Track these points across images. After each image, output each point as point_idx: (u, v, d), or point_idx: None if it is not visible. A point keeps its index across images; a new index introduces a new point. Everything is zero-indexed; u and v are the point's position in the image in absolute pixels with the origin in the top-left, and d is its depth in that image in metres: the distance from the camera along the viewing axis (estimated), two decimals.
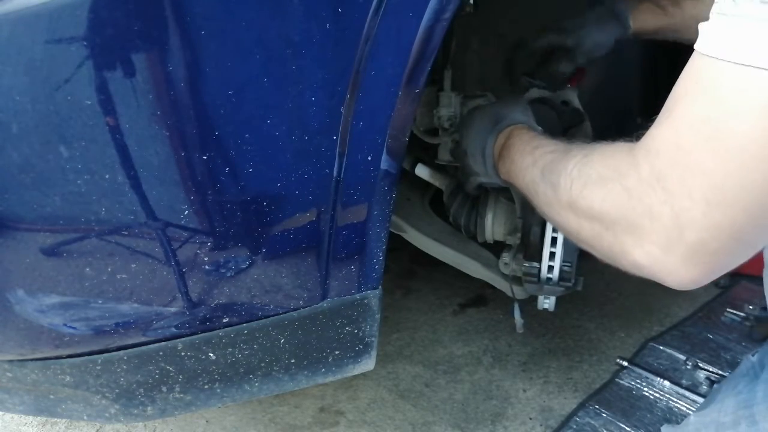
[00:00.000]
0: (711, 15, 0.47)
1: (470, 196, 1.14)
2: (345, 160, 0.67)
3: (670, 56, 1.12)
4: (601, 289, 1.76)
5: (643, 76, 1.34)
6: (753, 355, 0.82)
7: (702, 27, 0.48)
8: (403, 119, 0.67)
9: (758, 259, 0.76)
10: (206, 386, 0.81)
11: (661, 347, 1.50)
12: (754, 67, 0.42)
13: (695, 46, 0.48)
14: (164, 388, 0.80)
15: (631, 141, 0.54)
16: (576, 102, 1.03)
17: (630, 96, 1.39)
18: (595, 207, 0.56)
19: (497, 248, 1.18)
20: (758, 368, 0.78)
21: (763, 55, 0.42)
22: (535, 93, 1.08)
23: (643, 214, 0.50)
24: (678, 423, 1.24)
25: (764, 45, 0.42)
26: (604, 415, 1.30)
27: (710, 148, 0.45)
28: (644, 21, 0.99)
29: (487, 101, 1.08)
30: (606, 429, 1.26)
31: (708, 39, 0.47)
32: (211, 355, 0.77)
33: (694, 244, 0.48)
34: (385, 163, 0.69)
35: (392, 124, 0.66)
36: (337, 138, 0.65)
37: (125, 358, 0.75)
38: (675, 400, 1.32)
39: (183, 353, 0.76)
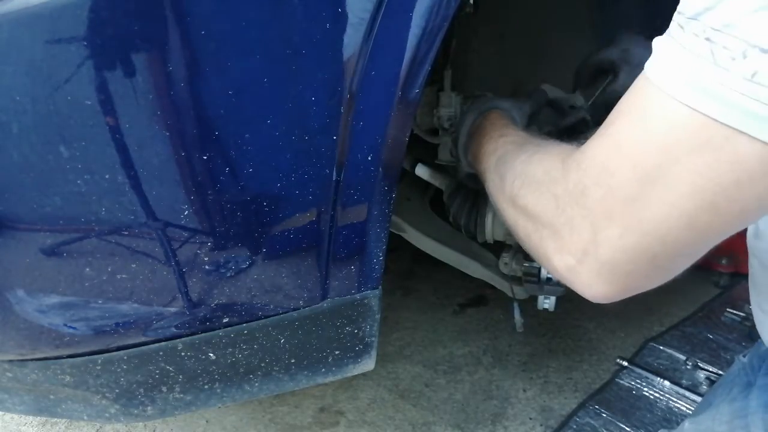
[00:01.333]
0: (666, 33, 0.46)
1: (470, 196, 1.14)
2: (345, 160, 0.67)
3: None
4: None
5: None
6: (744, 356, 0.82)
7: (654, 43, 0.46)
8: (403, 119, 0.67)
9: None
10: (206, 386, 0.81)
11: (661, 347, 1.50)
12: (684, 104, 0.41)
13: (647, 62, 0.46)
14: (164, 388, 0.80)
15: (578, 144, 0.54)
16: (584, 111, 1.03)
17: None
18: (529, 207, 0.58)
19: (497, 248, 1.18)
20: (749, 371, 0.77)
21: (695, 94, 0.40)
22: (546, 88, 1.07)
23: (564, 224, 0.51)
24: (678, 423, 1.24)
25: (697, 82, 0.40)
26: (604, 415, 1.30)
27: (634, 176, 0.45)
28: None
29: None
30: (606, 429, 1.26)
31: (654, 59, 0.45)
32: (211, 355, 0.77)
33: (607, 263, 0.48)
34: (385, 163, 0.69)
35: (392, 123, 0.66)
36: (337, 138, 0.65)
37: (125, 358, 0.75)
38: (675, 400, 1.32)
39: (183, 353, 0.76)
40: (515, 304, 1.17)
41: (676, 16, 0.44)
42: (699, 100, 0.40)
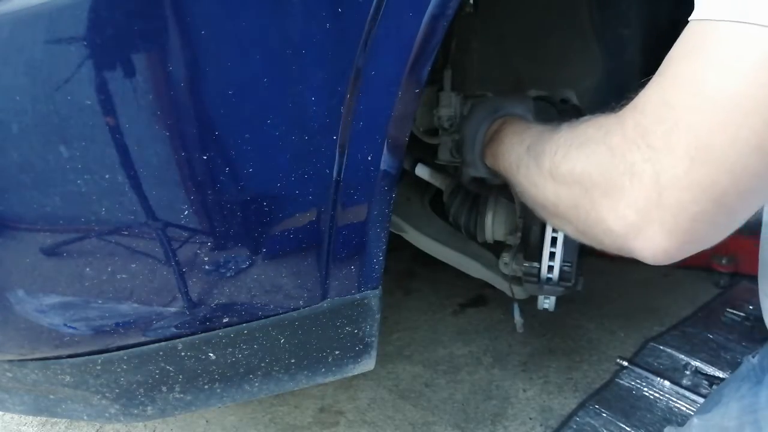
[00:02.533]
0: None
1: (470, 196, 1.14)
2: (345, 160, 0.67)
3: None
4: (601, 289, 1.76)
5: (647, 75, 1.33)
6: (753, 357, 0.82)
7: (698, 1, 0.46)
8: (403, 119, 0.67)
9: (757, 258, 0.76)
10: (206, 386, 0.81)
11: (661, 347, 1.50)
12: (748, 23, 0.41)
13: (690, 18, 0.46)
14: (164, 388, 0.80)
15: None
16: (575, 100, 1.03)
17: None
18: (576, 169, 0.55)
19: (497, 248, 1.18)
20: (759, 371, 0.77)
21: (756, 10, 0.40)
22: (533, 93, 1.08)
23: (624, 172, 0.48)
24: (678, 423, 1.24)
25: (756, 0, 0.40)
26: (604, 415, 1.30)
27: (697, 103, 0.43)
28: None
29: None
30: (606, 429, 1.26)
31: (702, 6, 0.45)
32: (211, 355, 0.77)
33: (672, 206, 0.46)
34: (385, 163, 0.68)
35: (392, 124, 0.66)
36: (337, 138, 0.65)
37: (125, 358, 0.75)
38: (675, 400, 1.32)
39: (183, 353, 0.76)
40: (515, 305, 1.17)
41: None
42: (742, 10, 0.41)
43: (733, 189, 0.44)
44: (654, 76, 0.49)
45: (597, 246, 0.57)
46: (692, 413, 1.25)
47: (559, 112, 0.99)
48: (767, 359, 0.76)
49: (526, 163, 0.67)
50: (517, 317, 1.17)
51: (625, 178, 0.48)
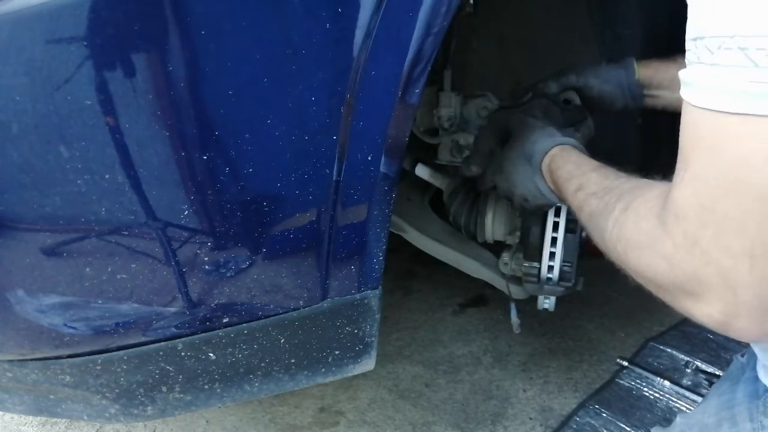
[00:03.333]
0: (687, 62, 0.47)
1: (470, 196, 1.14)
2: (345, 160, 0.67)
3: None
4: (601, 289, 1.76)
5: (642, 126, 1.33)
6: (742, 356, 0.82)
7: (685, 76, 0.47)
8: (403, 119, 0.67)
9: None
10: (206, 386, 0.81)
11: (661, 347, 1.50)
12: (753, 114, 0.42)
13: (683, 96, 0.48)
14: (164, 388, 0.80)
15: (663, 180, 0.54)
16: (577, 100, 1.03)
17: (628, 148, 1.36)
18: (641, 271, 0.55)
19: (497, 248, 1.18)
20: (746, 368, 0.78)
21: (756, 102, 0.41)
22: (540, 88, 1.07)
23: (689, 280, 0.49)
24: None
25: (750, 89, 0.42)
26: (604, 415, 1.30)
27: (734, 201, 0.44)
28: (654, 70, 0.96)
29: (487, 101, 1.08)
30: (606, 429, 1.26)
31: (697, 90, 0.46)
32: (211, 355, 0.77)
33: (751, 302, 0.46)
34: (384, 163, 0.68)
35: (392, 124, 0.66)
36: (337, 138, 0.65)
37: (125, 358, 0.75)
38: (675, 400, 1.32)
39: (183, 353, 0.76)
40: (512, 305, 1.17)
41: (695, 43, 0.45)
42: (753, 103, 0.41)
43: None
44: (677, 171, 0.49)
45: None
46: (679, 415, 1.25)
47: (562, 111, 0.99)
48: (754, 357, 0.76)
49: (596, 234, 0.66)
50: (514, 318, 1.17)
51: (694, 284, 0.48)
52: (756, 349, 0.72)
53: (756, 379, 0.72)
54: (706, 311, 0.49)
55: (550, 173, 0.82)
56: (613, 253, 0.61)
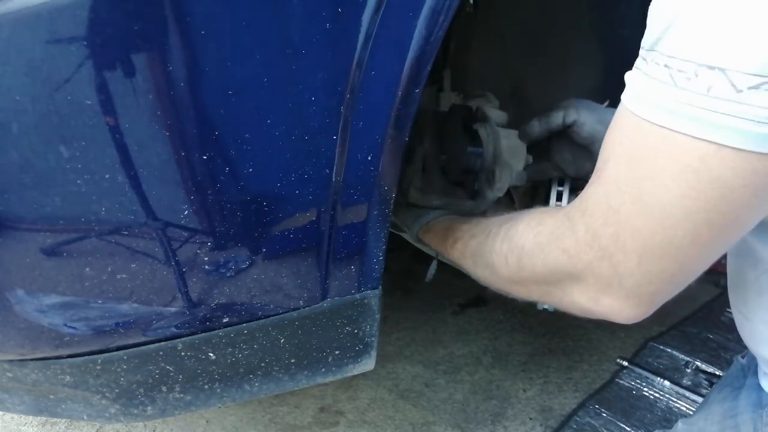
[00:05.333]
0: (635, 64, 0.49)
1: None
2: (345, 160, 0.67)
3: None
4: None
5: None
6: (742, 357, 0.82)
7: (627, 77, 0.49)
8: (403, 119, 0.67)
9: None
10: (206, 386, 0.81)
11: (661, 347, 1.50)
12: (669, 129, 0.44)
13: (622, 96, 0.50)
14: (164, 388, 0.80)
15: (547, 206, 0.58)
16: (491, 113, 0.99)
17: None
18: (537, 271, 0.60)
19: None
20: (746, 371, 0.78)
21: (665, 115, 0.44)
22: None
23: (584, 270, 0.54)
24: None
25: (665, 104, 0.44)
26: (604, 415, 1.30)
27: (637, 209, 0.48)
28: None
29: (486, 101, 1.08)
30: (606, 429, 1.26)
31: (630, 93, 0.49)
32: (211, 355, 0.77)
33: (632, 289, 0.52)
34: (385, 163, 0.69)
35: (392, 124, 0.66)
36: (337, 138, 0.65)
37: (125, 358, 0.75)
38: (675, 400, 1.32)
39: (183, 353, 0.76)
40: (434, 263, 1.16)
41: (641, 50, 0.48)
42: (670, 120, 0.44)
43: (680, 270, 0.51)
44: (596, 169, 0.53)
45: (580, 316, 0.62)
46: (692, 413, 1.25)
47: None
48: (754, 360, 0.76)
49: (482, 273, 0.72)
50: (432, 270, 1.16)
51: (587, 272, 0.54)
52: (757, 357, 0.72)
53: (758, 387, 0.72)
54: (591, 295, 0.55)
55: (428, 242, 0.91)
56: (499, 274, 0.67)
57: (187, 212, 0.65)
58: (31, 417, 1.38)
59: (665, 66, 0.44)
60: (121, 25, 0.55)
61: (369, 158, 0.68)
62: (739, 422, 0.69)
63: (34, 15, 0.54)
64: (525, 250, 0.61)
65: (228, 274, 0.71)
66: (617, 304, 0.54)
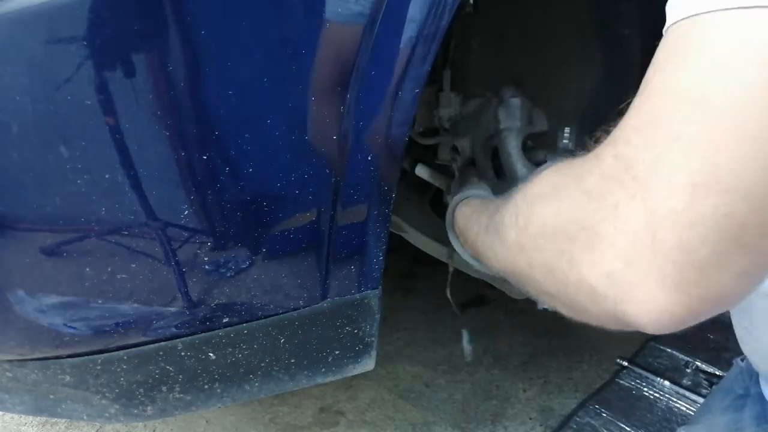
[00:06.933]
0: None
1: None
2: (345, 160, 0.67)
3: None
4: None
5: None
6: (742, 360, 0.81)
7: (670, 5, 0.37)
8: (403, 119, 0.67)
9: None
10: (206, 386, 0.81)
11: (661, 347, 1.50)
12: (745, 7, 0.31)
13: (667, 18, 0.37)
14: (164, 388, 0.80)
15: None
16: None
17: None
18: (547, 225, 0.44)
19: None
20: (747, 377, 0.77)
21: None
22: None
23: (605, 217, 0.37)
24: (678, 424, 1.24)
25: None
26: (604, 415, 1.30)
27: (698, 116, 0.32)
28: None
29: (486, 101, 1.08)
30: (606, 429, 1.26)
31: (680, 6, 0.36)
32: (211, 355, 0.77)
33: (672, 252, 0.33)
34: (385, 163, 0.68)
35: (392, 123, 0.66)
36: (337, 138, 0.65)
37: (125, 358, 0.75)
38: (675, 400, 1.32)
39: (183, 353, 0.76)
40: (464, 332, 1.16)
41: None
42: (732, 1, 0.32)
43: (756, 220, 0.32)
44: (634, 102, 0.39)
45: (595, 323, 0.45)
46: (692, 413, 1.25)
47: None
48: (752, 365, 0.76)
49: (490, 244, 0.58)
50: (466, 344, 1.16)
51: (608, 224, 0.36)
52: (760, 373, 0.72)
53: (762, 398, 0.71)
54: (606, 268, 0.37)
55: (461, 234, 0.84)
56: (506, 240, 0.52)
57: (187, 212, 0.65)
58: (31, 417, 1.38)
59: None
60: (121, 25, 0.55)
61: (369, 158, 0.68)
62: None
63: (34, 15, 0.54)
64: (541, 195, 0.46)
65: (228, 274, 0.71)
66: (643, 286, 0.35)
